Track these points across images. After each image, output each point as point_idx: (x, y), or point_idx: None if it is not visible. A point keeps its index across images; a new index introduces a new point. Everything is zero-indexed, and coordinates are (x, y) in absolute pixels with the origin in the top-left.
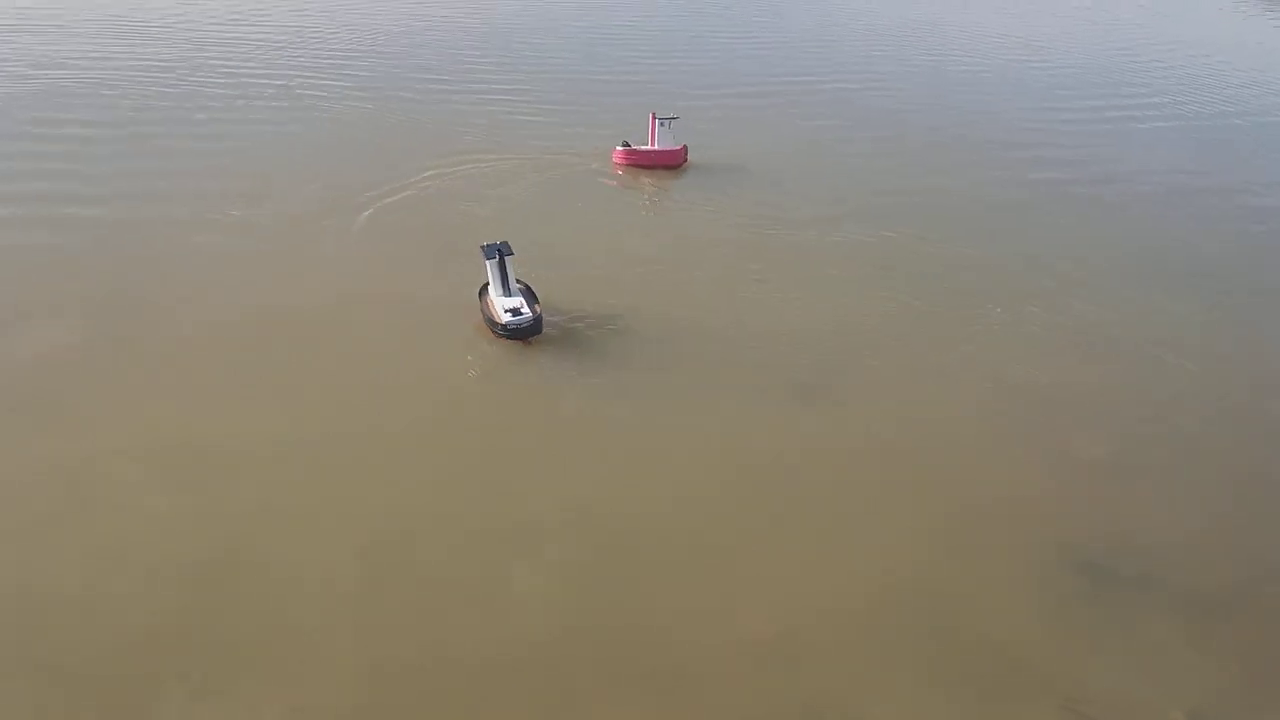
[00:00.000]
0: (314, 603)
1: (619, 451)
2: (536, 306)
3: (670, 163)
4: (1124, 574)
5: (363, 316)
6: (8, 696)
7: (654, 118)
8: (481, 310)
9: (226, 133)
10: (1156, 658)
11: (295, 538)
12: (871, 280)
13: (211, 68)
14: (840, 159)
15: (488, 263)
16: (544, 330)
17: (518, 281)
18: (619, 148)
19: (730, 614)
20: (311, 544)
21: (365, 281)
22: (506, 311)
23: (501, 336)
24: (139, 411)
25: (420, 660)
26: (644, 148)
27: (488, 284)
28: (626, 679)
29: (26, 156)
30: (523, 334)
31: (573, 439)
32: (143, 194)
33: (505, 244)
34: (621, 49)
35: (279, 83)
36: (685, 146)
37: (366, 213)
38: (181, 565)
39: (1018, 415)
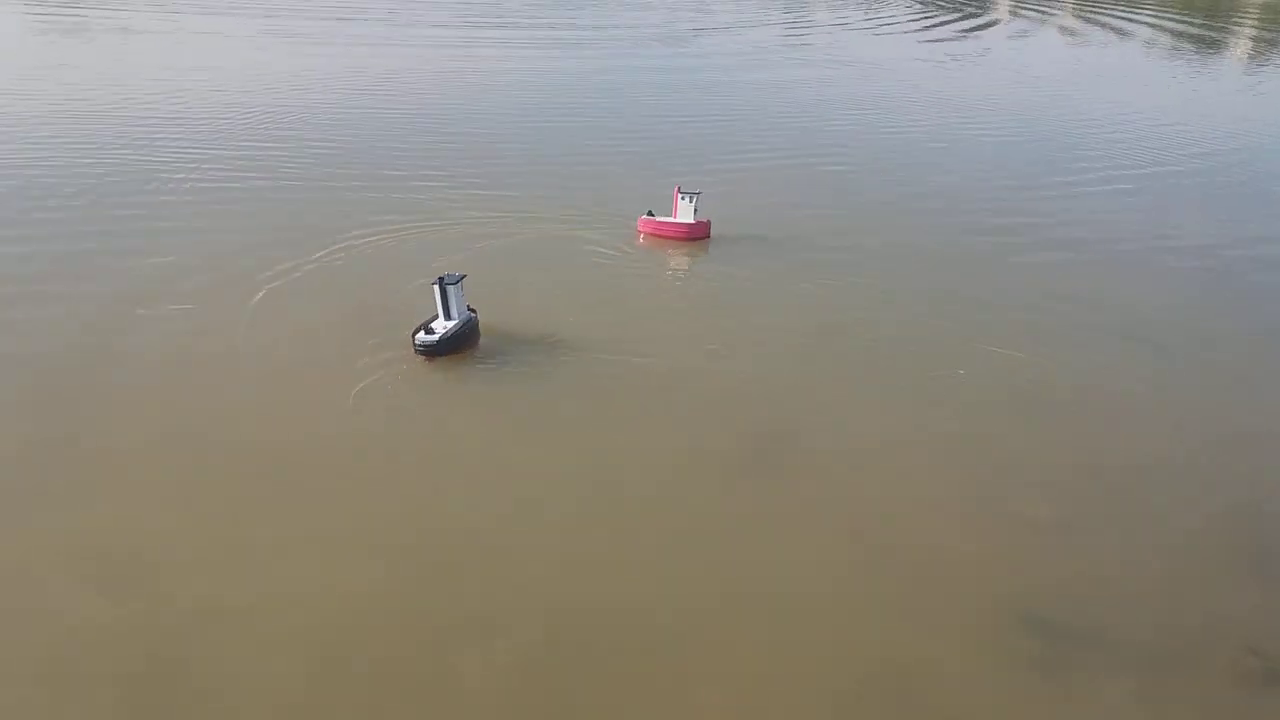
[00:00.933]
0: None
1: (559, 518)
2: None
3: (695, 236)
4: (1075, 631)
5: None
6: None
7: (678, 191)
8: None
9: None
10: (1115, 714)
11: (234, 639)
12: (820, 340)
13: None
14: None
15: (434, 287)
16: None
17: (469, 308)
18: (644, 216)
19: (682, 693)
20: (251, 645)
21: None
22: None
23: (418, 353)
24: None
25: None
26: (667, 219)
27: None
28: None
29: None
30: (428, 351)
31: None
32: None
33: (453, 275)
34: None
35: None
36: (709, 221)
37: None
38: (117, 673)
39: (964, 477)
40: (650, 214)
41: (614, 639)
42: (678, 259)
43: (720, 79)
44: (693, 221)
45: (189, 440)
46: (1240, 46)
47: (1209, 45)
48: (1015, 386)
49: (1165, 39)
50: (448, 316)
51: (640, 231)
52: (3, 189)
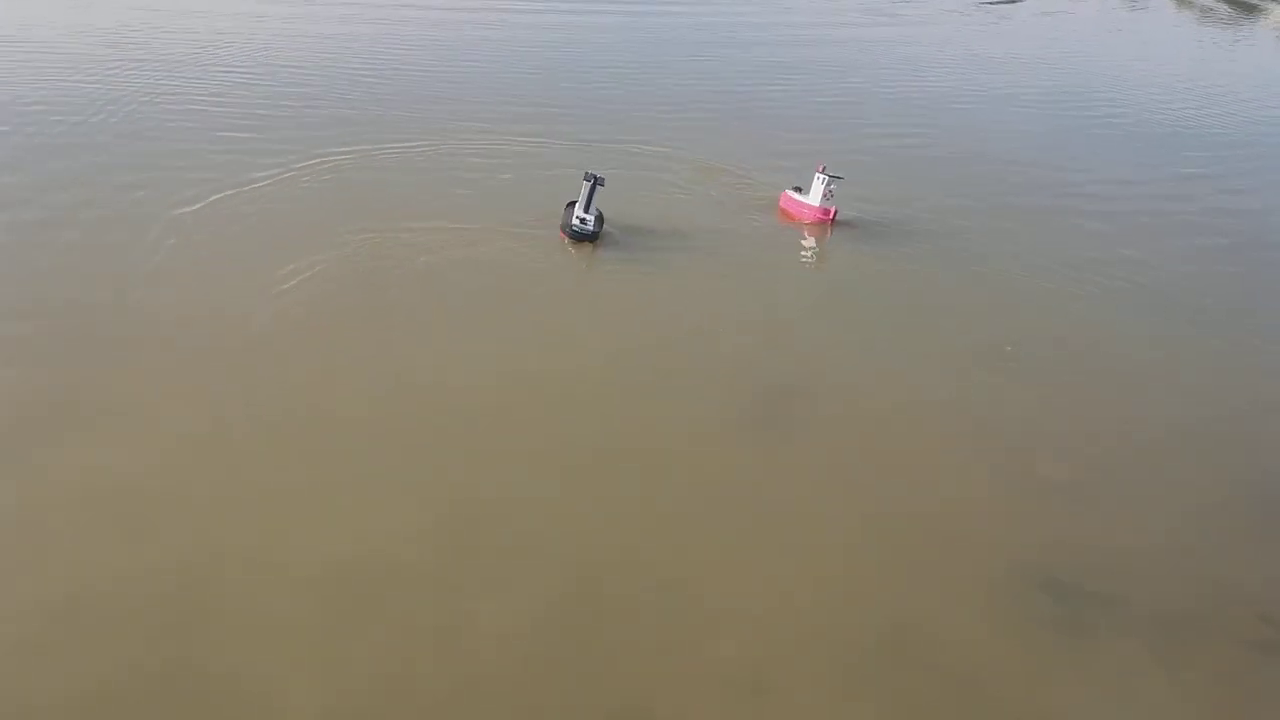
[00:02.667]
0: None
1: (576, 467)
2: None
3: (820, 219)
4: (1088, 593)
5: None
6: None
7: (820, 169)
8: (562, 219)
9: None
10: (1122, 681)
11: (255, 581)
12: (840, 301)
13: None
14: None
15: (584, 182)
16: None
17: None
18: (789, 191)
19: (696, 646)
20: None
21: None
22: (577, 219)
23: (569, 237)
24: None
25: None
26: (803, 199)
27: (574, 201)
28: (594, 715)
29: None
30: (581, 238)
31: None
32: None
33: (602, 177)
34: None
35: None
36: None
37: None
38: (136, 612)
39: (979, 437)
40: (798, 190)
41: (625, 592)
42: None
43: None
44: (819, 206)
45: (216, 369)
46: None
47: None
48: (1041, 351)
49: None
50: (586, 210)
51: (782, 209)
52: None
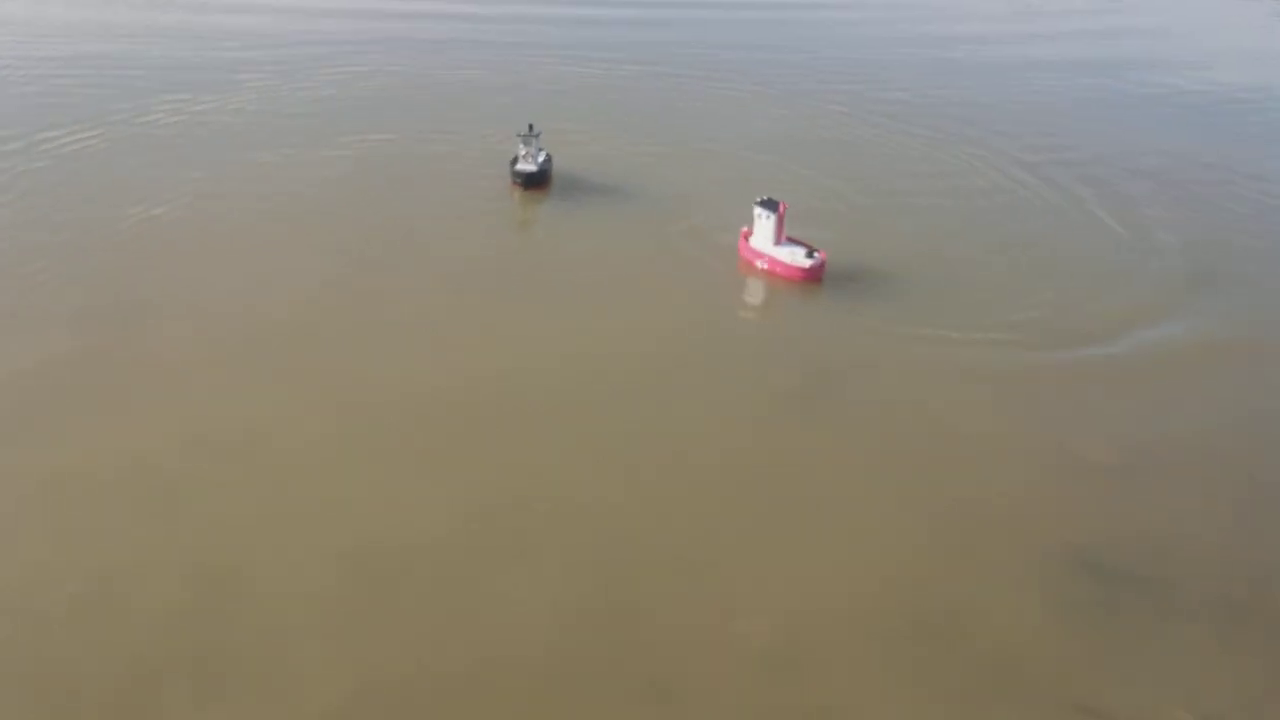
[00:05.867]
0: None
1: (611, 453)
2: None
3: (806, 278)
4: (1135, 577)
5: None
6: (3, 705)
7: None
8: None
9: None
10: (1169, 661)
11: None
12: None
13: None
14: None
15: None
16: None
17: (544, 150)
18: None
19: (728, 621)
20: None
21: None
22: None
23: (516, 185)
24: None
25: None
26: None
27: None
28: (625, 690)
29: None
30: (528, 182)
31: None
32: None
33: (536, 129)
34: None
35: None
36: (820, 263)
37: None
38: (168, 589)
39: (1021, 416)
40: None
41: (653, 573)
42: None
43: None
44: (803, 266)
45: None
46: None
47: None
48: (1085, 328)
49: None
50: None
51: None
52: None
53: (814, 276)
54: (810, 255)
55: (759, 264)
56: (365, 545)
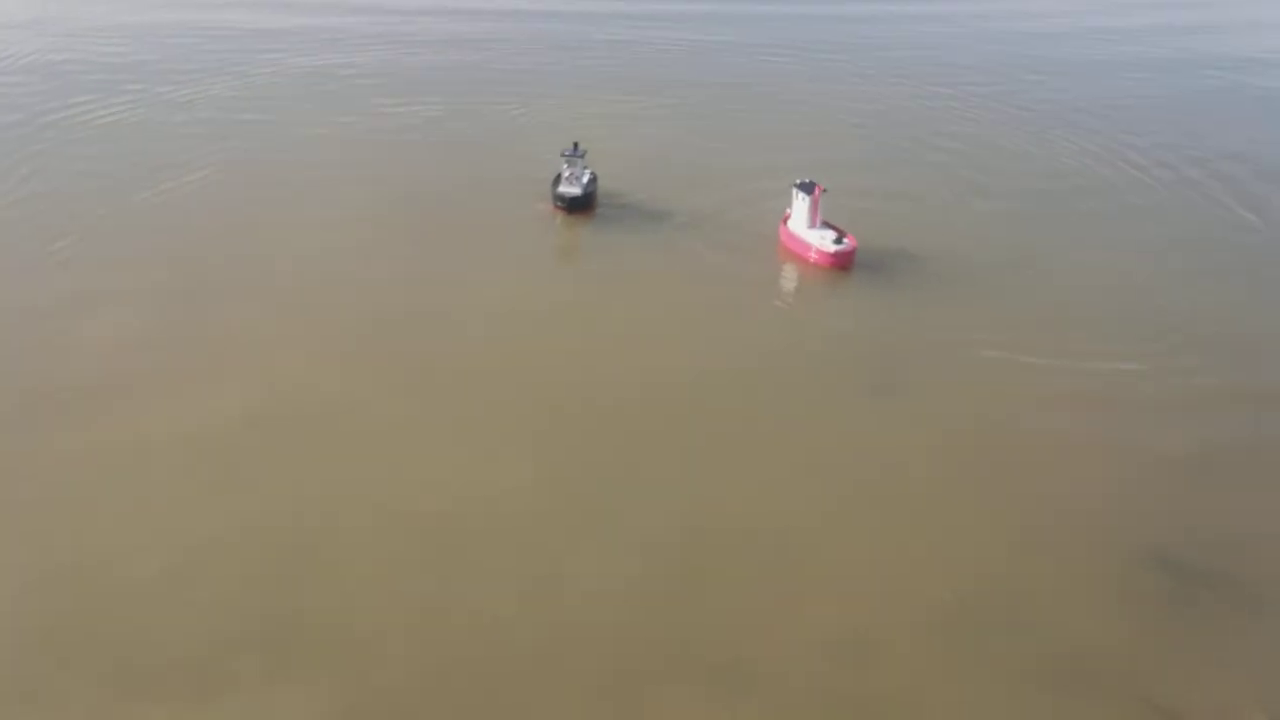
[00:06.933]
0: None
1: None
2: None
3: (837, 265)
4: (1211, 574)
5: None
6: (82, 674)
7: (800, 189)
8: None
9: None
10: (1243, 661)
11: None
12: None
13: None
14: None
15: (562, 157)
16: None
17: (588, 169)
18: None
19: (799, 608)
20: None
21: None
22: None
23: (560, 208)
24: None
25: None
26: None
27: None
28: (693, 673)
29: None
30: (572, 206)
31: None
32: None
33: (581, 149)
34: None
35: None
36: (851, 250)
37: None
38: (249, 560)
39: (1090, 409)
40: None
41: (726, 554)
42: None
43: None
44: (831, 251)
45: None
46: None
47: None
48: (1140, 317)
49: None
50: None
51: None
52: None
53: (841, 263)
54: (839, 241)
55: (793, 247)
56: (439, 523)
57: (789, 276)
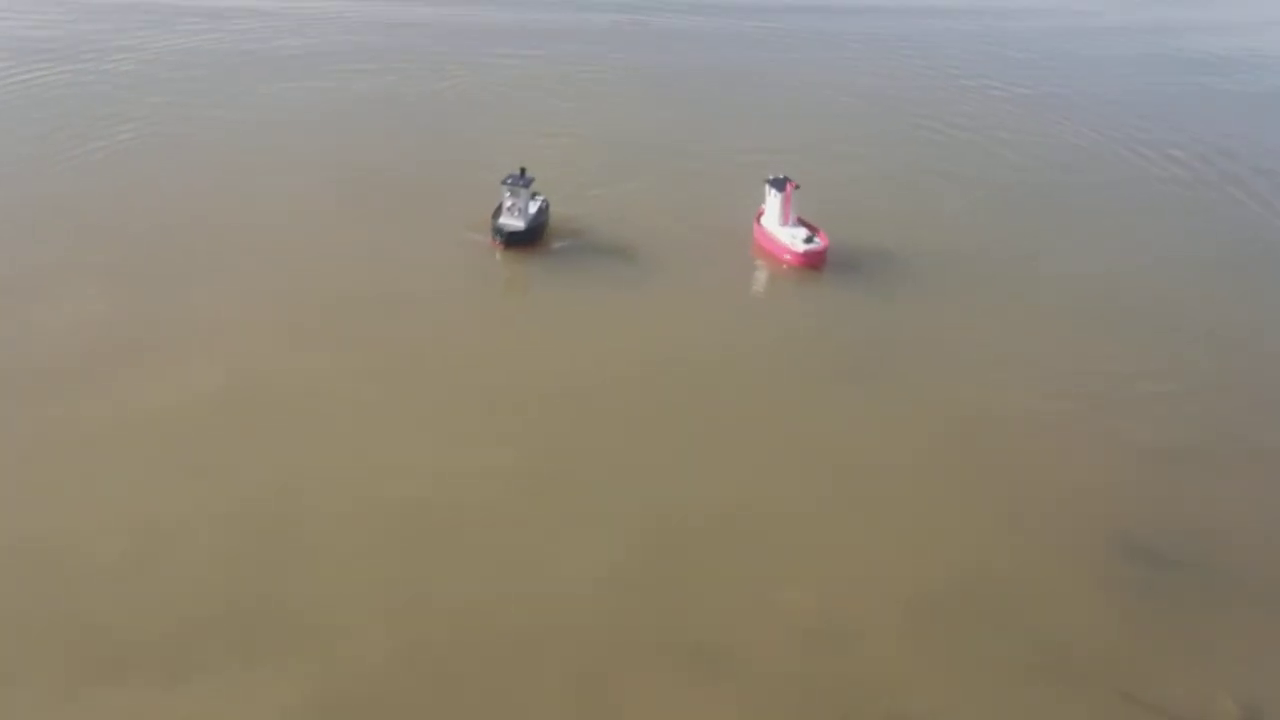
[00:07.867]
0: None
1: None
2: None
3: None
4: (1181, 562)
5: None
6: (45, 656)
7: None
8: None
9: None
10: (1215, 648)
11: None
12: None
13: None
14: None
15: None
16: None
17: (537, 195)
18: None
19: (776, 590)
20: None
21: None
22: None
23: (498, 244)
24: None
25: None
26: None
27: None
28: (671, 660)
29: None
30: (511, 241)
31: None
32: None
33: (528, 176)
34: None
35: None
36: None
37: None
38: (217, 542)
39: (1069, 400)
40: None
41: (704, 540)
42: None
43: None
44: (800, 250)
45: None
46: None
47: None
48: (1134, 306)
49: None
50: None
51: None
52: None
53: (812, 262)
54: (810, 240)
55: (766, 245)
56: (414, 507)
57: (761, 274)
